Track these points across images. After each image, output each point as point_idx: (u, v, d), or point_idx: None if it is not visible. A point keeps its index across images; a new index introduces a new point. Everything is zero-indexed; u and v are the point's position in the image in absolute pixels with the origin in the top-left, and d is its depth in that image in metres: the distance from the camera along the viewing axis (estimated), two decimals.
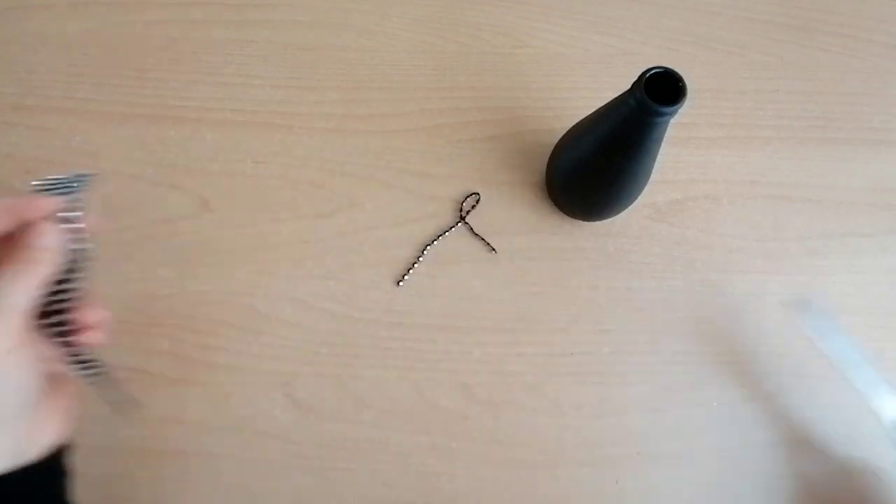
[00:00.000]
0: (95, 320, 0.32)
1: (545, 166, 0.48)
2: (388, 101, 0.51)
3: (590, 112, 0.41)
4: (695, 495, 0.43)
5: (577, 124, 0.43)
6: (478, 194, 0.48)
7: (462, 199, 0.48)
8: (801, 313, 0.41)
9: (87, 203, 0.31)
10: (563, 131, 0.47)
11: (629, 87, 0.36)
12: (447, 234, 0.47)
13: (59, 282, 0.31)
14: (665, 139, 0.50)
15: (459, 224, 0.47)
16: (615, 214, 0.46)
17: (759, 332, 0.46)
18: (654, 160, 0.41)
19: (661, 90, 0.36)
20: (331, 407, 0.43)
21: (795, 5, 0.55)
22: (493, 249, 0.47)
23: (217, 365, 0.44)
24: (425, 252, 0.46)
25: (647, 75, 0.36)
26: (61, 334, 0.31)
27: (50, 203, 0.31)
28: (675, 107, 0.36)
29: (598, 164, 0.41)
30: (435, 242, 0.47)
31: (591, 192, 0.44)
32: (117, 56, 0.51)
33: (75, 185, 0.32)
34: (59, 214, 0.31)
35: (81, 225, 0.31)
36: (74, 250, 0.31)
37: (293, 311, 0.45)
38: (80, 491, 0.42)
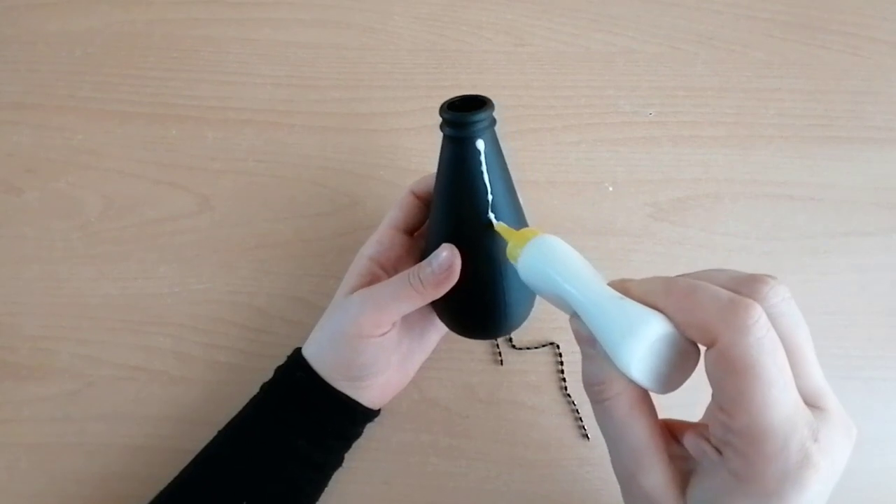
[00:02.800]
0: None
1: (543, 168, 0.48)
2: (389, 100, 0.51)
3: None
4: None
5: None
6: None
7: None
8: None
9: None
10: (564, 130, 0.47)
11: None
12: None
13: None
14: (666, 138, 0.50)
15: None
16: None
17: None
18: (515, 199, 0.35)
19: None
20: None
21: (798, 3, 0.55)
22: None
23: (218, 363, 0.44)
24: None
25: (450, 103, 0.32)
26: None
27: None
28: (484, 112, 0.31)
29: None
30: None
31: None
32: (119, 55, 0.51)
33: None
34: None
35: None
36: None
37: (294, 310, 0.45)
38: (80, 490, 0.42)
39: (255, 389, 0.39)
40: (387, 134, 0.50)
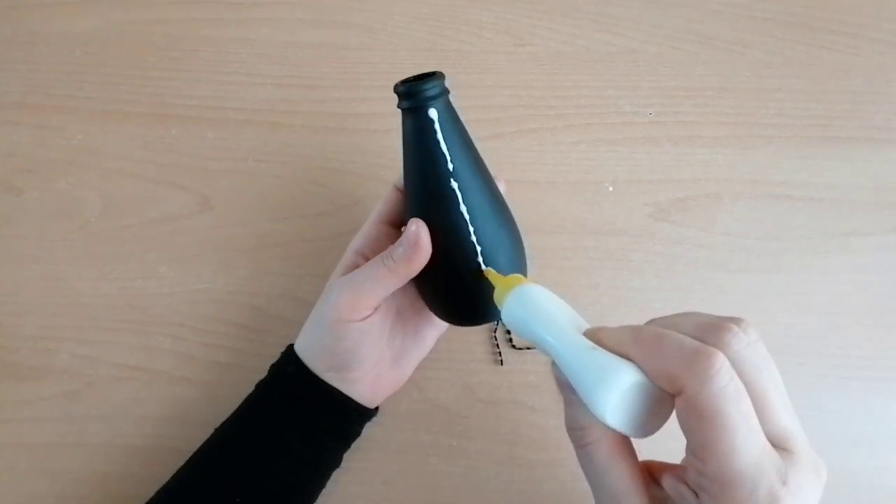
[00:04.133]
0: None
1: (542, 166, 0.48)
2: (389, 100, 0.50)
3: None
4: None
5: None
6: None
7: None
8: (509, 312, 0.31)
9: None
10: (564, 130, 0.47)
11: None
12: None
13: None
14: (666, 138, 0.50)
15: None
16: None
17: (760, 332, 0.46)
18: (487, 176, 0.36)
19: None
20: None
21: (798, 3, 0.55)
22: None
23: (219, 364, 0.44)
24: None
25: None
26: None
27: None
28: (433, 81, 0.33)
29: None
30: None
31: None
32: (119, 55, 0.51)
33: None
34: None
35: None
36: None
37: (295, 310, 0.45)
38: (80, 490, 0.42)
39: (253, 389, 0.39)
40: (387, 134, 0.50)
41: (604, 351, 0.26)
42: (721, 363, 0.23)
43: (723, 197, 0.49)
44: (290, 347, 0.39)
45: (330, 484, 0.40)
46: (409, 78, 0.34)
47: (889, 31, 0.54)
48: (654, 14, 0.54)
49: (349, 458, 0.40)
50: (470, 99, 0.51)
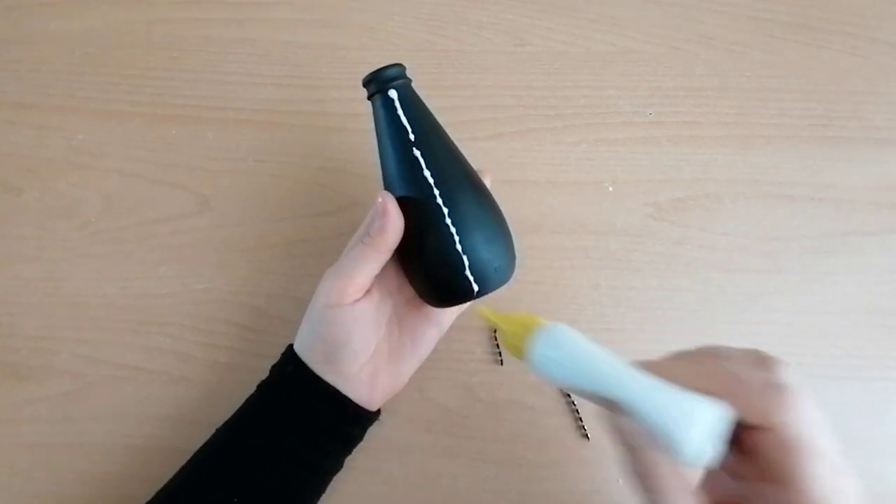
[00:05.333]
0: None
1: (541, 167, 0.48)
2: None
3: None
4: None
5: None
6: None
7: None
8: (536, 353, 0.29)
9: None
10: (564, 130, 0.47)
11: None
12: None
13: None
14: (666, 138, 0.50)
15: None
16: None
17: (761, 332, 0.46)
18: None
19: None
20: None
21: (798, 3, 0.55)
22: None
23: (219, 364, 0.44)
24: None
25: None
26: None
27: None
28: (391, 68, 0.37)
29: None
30: None
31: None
32: (119, 55, 0.51)
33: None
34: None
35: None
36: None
37: (295, 310, 0.45)
38: (80, 490, 0.42)
39: (254, 389, 0.39)
40: None
41: (680, 388, 0.26)
42: (809, 397, 0.25)
43: (723, 197, 0.49)
44: (290, 347, 0.39)
45: (330, 484, 0.40)
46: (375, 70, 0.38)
47: (889, 32, 0.54)
48: (654, 14, 0.54)
49: (349, 457, 0.40)
50: (470, 99, 0.51)
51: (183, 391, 0.44)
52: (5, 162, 0.49)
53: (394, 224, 0.36)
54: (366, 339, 0.37)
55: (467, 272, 0.35)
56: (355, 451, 0.40)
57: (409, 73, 0.39)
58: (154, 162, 0.49)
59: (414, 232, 0.36)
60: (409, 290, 0.40)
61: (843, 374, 0.45)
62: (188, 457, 0.38)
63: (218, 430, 0.38)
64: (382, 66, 0.38)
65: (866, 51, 0.53)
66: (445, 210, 0.35)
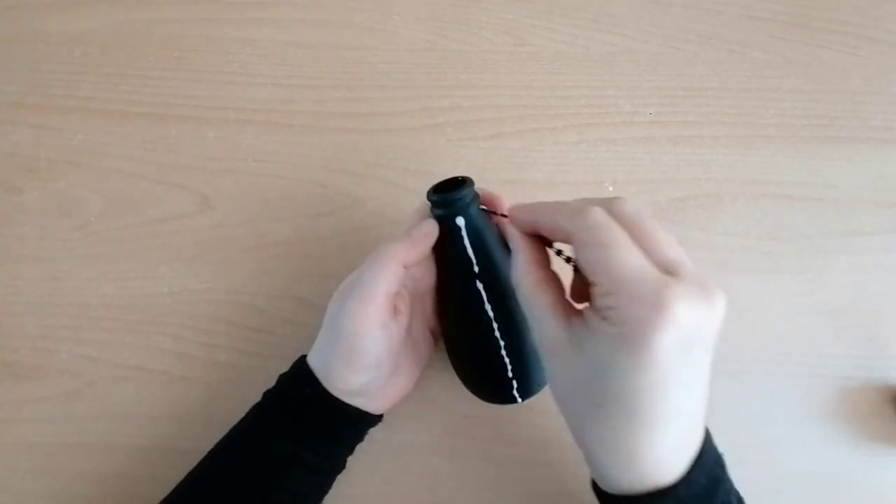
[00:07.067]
0: None
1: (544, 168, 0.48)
2: (389, 100, 0.51)
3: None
4: None
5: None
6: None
7: None
8: None
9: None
10: (564, 130, 0.47)
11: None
12: None
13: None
14: (666, 138, 0.50)
15: None
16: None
17: (761, 332, 0.46)
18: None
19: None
20: None
21: (797, 3, 0.55)
22: None
23: (218, 363, 0.44)
24: None
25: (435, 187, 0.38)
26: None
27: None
28: (462, 191, 0.36)
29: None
30: None
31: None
32: (119, 54, 0.51)
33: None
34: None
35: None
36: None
37: (294, 310, 0.45)
38: (80, 490, 0.42)
39: (255, 389, 0.39)
40: (387, 134, 0.50)
41: None
42: (596, 208, 0.28)
43: (723, 197, 0.49)
44: (303, 360, 0.38)
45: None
46: (440, 183, 0.38)
47: (889, 32, 0.54)
48: (654, 14, 0.54)
49: (350, 457, 0.40)
50: (470, 99, 0.51)
51: (183, 391, 0.44)
52: (5, 162, 0.49)
53: (429, 238, 0.37)
54: (391, 362, 0.37)
55: (523, 384, 0.38)
56: (356, 451, 0.40)
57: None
58: (154, 162, 0.49)
59: (468, 353, 0.39)
60: (417, 308, 0.40)
61: (843, 374, 0.45)
62: (188, 457, 0.38)
63: (224, 437, 0.38)
64: (449, 179, 0.38)
65: (866, 51, 0.54)
66: (501, 343, 0.37)
